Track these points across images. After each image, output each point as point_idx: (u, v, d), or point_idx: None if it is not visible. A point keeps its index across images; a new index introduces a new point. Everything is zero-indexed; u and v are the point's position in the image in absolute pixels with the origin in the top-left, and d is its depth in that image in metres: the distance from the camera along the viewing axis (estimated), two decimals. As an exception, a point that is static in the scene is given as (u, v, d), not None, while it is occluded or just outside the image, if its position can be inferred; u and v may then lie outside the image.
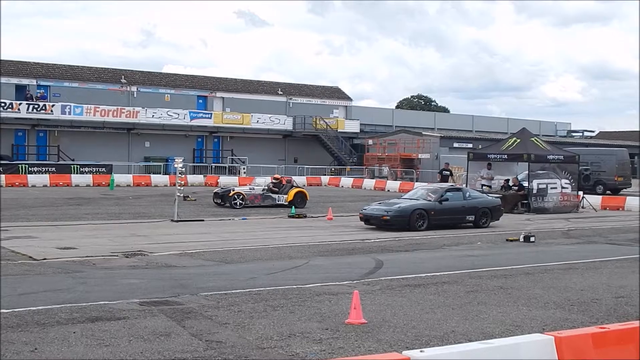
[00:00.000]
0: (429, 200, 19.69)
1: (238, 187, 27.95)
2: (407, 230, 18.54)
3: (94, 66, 48.52)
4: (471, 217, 20.13)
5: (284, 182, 26.36)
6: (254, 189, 25.84)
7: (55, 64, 46.73)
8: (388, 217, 18.76)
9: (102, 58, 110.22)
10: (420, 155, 47.82)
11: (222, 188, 27.89)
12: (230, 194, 25.03)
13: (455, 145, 49.73)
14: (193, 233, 17.42)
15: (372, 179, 44.69)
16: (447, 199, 19.77)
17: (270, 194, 25.59)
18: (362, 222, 19.55)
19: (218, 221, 20.77)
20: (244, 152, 48.29)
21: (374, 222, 19.19)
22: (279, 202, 25.39)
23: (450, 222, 19.76)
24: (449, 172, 32.26)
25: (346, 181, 43.29)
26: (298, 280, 10.90)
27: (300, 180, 39.92)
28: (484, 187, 26.66)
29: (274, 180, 26.39)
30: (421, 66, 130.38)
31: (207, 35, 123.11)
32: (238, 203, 24.81)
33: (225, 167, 46.43)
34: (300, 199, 25.59)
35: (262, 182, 26.65)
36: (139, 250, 14.04)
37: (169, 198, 25.67)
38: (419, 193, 20.67)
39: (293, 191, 25.76)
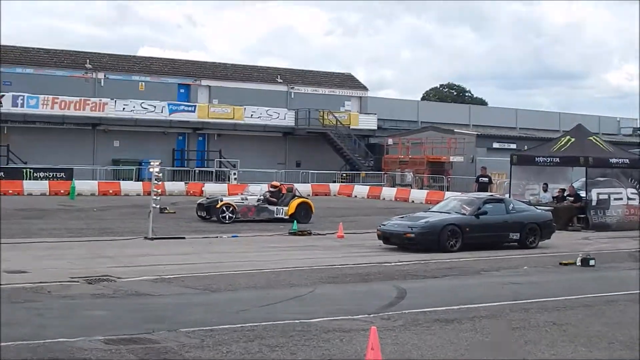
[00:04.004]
0: (464, 214, 19.73)
1: (227, 197, 28.04)
2: (435, 251, 18.53)
3: (52, 49, 48.74)
4: (515, 235, 20.14)
5: (283, 191, 26.45)
6: (246, 199, 25.93)
7: (5, 46, 46.83)
8: (412, 235, 18.79)
9: (68, 38, 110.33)
10: (452, 158, 47.79)
11: (207, 198, 28.00)
12: (218, 206, 25.16)
13: (495, 145, 49.68)
14: (172, 254, 17.45)
15: (393, 187, 44.62)
16: (485, 212, 19.80)
17: (267, 206, 25.71)
18: (380, 241, 19.59)
19: (202, 239, 20.81)
20: (235, 153, 48.37)
21: (394, 240, 19.24)
22: (278, 216, 25.52)
23: (490, 240, 19.78)
24: (487, 179, 32.14)
25: (360, 190, 43.26)
26: (301, 314, 10.86)
27: (304, 188, 39.75)
28: (530, 199, 26.57)
29: (271, 189, 26.49)
30: (453, 49, 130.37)
31: (194, 11, 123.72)
32: (227, 217, 24.95)
33: (212, 172, 46.48)
34: (304, 212, 25.72)
35: (257, 190, 26.75)
36: (105, 275, 14.04)
37: (143, 210, 25.60)
38: (451, 205, 20.76)
39: (295, 202, 25.88)
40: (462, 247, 18.98)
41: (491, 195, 22.28)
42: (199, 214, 26.04)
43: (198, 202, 27.06)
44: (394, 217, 20.91)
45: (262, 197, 25.95)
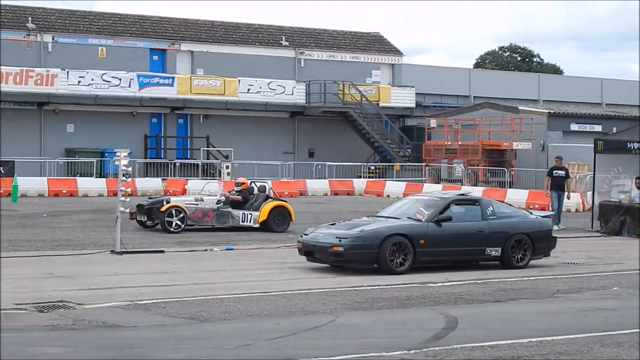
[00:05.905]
0: (418, 220, 18.87)
1: (177, 197, 28.31)
2: (378, 273, 17.82)
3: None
4: (495, 250, 19.27)
5: (255, 191, 26.43)
6: (202, 200, 26.03)
7: None
8: (341, 249, 17.96)
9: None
10: (515, 145, 47.68)
11: (150, 198, 28.15)
12: (163, 209, 25.06)
13: (574, 127, 49.58)
14: (147, 272, 17.55)
15: (437, 183, 44.48)
16: (449, 218, 18.92)
17: (230, 210, 25.75)
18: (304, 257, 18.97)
19: (187, 253, 20.92)
20: (227, 140, 48.40)
21: (320, 256, 18.53)
22: (245, 223, 25.66)
23: (456, 257, 19.22)
24: (563, 173, 32.09)
25: (394, 187, 43.40)
26: (319, 349, 10.90)
27: (319, 185, 40.09)
28: (621, 197, 26.52)
29: (236, 187, 26.64)
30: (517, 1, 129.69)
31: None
32: (174, 223, 24.88)
33: (198, 164, 46.45)
34: (279, 219, 25.84)
35: (215, 189, 26.83)
36: (62, 301, 14.09)
37: (108, 216, 25.76)
38: (406, 207, 20.03)
39: (268, 206, 25.84)
40: (413, 267, 18.20)
41: (461, 195, 21.30)
42: (138, 218, 25.64)
43: (137, 203, 26.30)
44: (324, 224, 20.05)
45: (222, 197, 25.91)
